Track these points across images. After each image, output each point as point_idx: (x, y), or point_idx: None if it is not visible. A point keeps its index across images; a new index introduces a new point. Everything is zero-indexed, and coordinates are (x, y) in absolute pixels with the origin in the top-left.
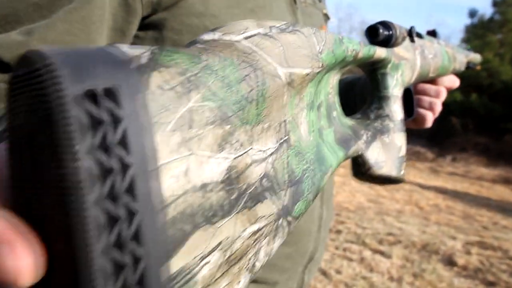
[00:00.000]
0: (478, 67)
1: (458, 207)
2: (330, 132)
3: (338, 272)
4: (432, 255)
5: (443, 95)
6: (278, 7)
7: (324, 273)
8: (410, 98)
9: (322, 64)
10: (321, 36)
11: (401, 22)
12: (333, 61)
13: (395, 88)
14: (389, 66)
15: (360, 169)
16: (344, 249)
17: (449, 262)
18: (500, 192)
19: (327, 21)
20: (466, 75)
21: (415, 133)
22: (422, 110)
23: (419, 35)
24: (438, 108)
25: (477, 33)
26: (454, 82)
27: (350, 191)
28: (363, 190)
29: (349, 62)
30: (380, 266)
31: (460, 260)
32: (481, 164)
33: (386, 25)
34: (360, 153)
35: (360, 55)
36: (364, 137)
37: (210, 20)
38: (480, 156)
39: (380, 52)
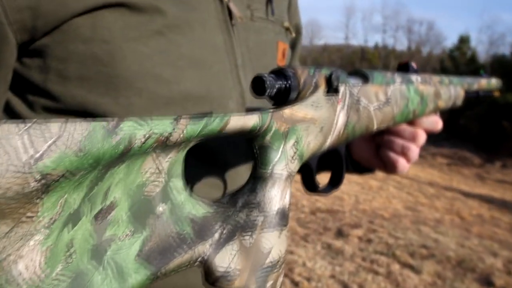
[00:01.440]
0: (497, 93)
1: (505, 218)
2: (133, 243)
3: (361, 286)
4: (467, 273)
5: (421, 139)
6: (203, 25)
7: (345, 286)
8: (339, 161)
9: (48, 175)
10: (45, 133)
11: (451, 20)
12: (83, 165)
13: (277, 165)
14: (269, 135)
15: (207, 278)
16: (372, 261)
17: (486, 282)
18: None
19: (290, 36)
20: None
21: (462, 137)
22: (392, 155)
23: (365, 76)
24: (413, 154)
25: None
26: (436, 123)
27: (386, 197)
28: (400, 197)
29: (171, 144)
30: (407, 282)
31: (499, 281)
32: None
33: (280, 74)
34: (204, 258)
35: (184, 135)
36: (217, 235)
37: (100, 47)
38: None
39: (245, 120)
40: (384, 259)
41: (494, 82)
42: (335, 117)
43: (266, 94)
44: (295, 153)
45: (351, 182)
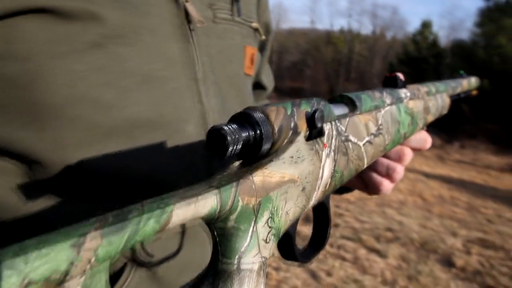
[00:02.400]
0: (474, 92)
1: (463, 198)
2: None
3: (329, 274)
4: (430, 255)
5: (407, 158)
6: (154, 32)
7: (313, 275)
8: (324, 216)
9: None
10: None
11: (414, 5)
12: None
13: (246, 254)
14: (234, 216)
15: None
16: (339, 247)
17: (448, 262)
18: (508, 182)
19: (259, 38)
20: (479, 60)
21: None
22: (376, 177)
23: (353, 104)
24: (398, 174)
25: (491, 17)
26: (424, 142)
27: None
28: None
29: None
30: (374, 267)
31: (459, 261)
32: (490, 152)
33: (246, 121)
34: None
35: (96, 261)
36: None
37: (16, 66)
38: (489, 143)
39: (196, 208)
40: (350, 244)
41: (473, 82)
42: (321, 168)
43: (229, 153)
44: (269, 232)
45: None
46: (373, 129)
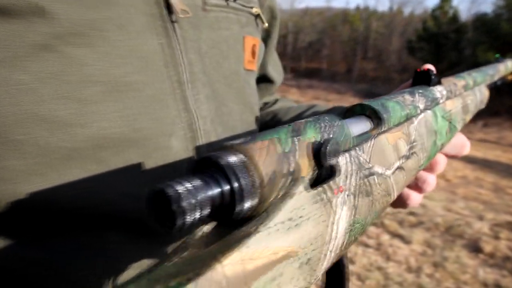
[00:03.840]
0: (511, 77)
1: (489, 178)
2: None
3: (351, 261)
4: (456, 240)
5: (441, 166)
6: (124, 27)
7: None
8: (339, 277)
9: None
10: None
11: None
12: None
13: None
14: None
15: None
16: None
17: (475, 248)
18: None
19: (262, 26)
20: (502, 33)
21: None
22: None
23: (377, 117)
24: (429, 185)
25: None
26: (461, 148)
27: None
28: None
29: None
30: (398, 253)
31: (487, 246)
32: None
33: (212, 170)
34: None
35: None
36: None
37: None
38: None
39: None
40: (373, 230)
41: (510, 65)
42: (334, 224)
43: (178, 227)
44: None
45: None
46: (404, 149)
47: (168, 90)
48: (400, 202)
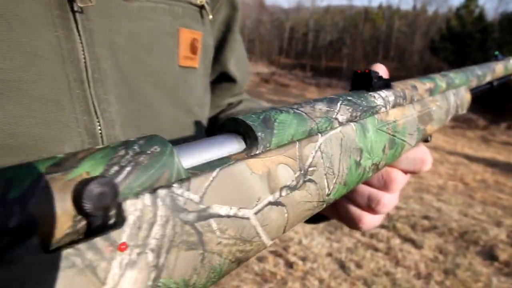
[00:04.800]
0: None
1: (509, 183)
2: None
3: (359, 266)
4: (470, 246)
5: (397, 184)
6: (4, 18)
7: (342, 266)
8: None
9: None
10: None
11: None
12: None
13: None
14: None
15: None
16: (371, 236)
17: (490, 255)
18: None
19: (208, 18)
20: None
21: None
22: (354, 210)
23: (252, 135)
24: (384, 206)
25: None
26: (421, 162)
27: None
28: None
29: None
30: (407, 258)
31: (503, 254)
32: None
33: None
34: None
35: None
36: None
37: None
38: None
39: None
40: (384, 233)
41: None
42: None
43: None
44: None
45: None
46: (289, 177)
47: (64, 90)
48: (351, 223)
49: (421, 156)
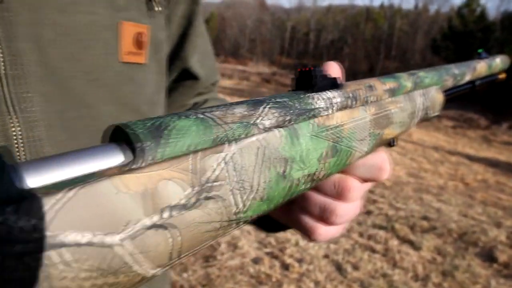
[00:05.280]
0: (502, 76)
1: (510, 183)
2: None
3: (356, 267)
4: (469, 247)
5: (353, 192)
6: None
7: (339, 268)
8: None
9: None
10: None
11: None
12: None
13: None
14: None
15: None
16: (369, 237)
17: (489, 257)
18: None
19: (160, 10)
20: None
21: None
22: (307, 220)
23: (133, 148)
24: (339, 217)
25: None
26: (378, 170)
27: (389, 164)
28: (404, 163)
29: None
30: (405, 260)
31: (502, 256)
32: None
33: None
34: None
35: None
36: None
37: None
38: None
39: None
40: (382, 234)
41: (498, 63)
42: None
43: None
44: None
45: None
46: (179, 195)
47: None
48: (306, 234)
49: (379, 163)
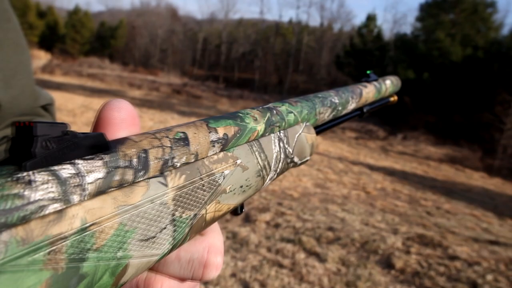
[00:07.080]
0: (393, 99)
1: (405, 190)
2: None
3: (263, 285)
4: (370, 256)
5: None
6: None
7: (246, 286)
8: None
9: None
10: None
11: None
12: None
13: None
14: None
15: None
16: (277, 251)
17: (387, 264)
18: (446, 172)
19: None
20: (420, 53)
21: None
22: None
23: None
24: None
25: (431, 12)
26: (199, 265)
27: (297, 175)
28: (311, 174)
29: None
30: (311, 273)
31: (399, 262)
32: (429, 142)
33: None
34: None
35: None
36: None
37: None
38: (429, 134)
39: None
40: (290, 248)
41: (388, 86)
42: None
43: None
44: None
45: None
46: None
47: None
48: None
49: (200, 256)
